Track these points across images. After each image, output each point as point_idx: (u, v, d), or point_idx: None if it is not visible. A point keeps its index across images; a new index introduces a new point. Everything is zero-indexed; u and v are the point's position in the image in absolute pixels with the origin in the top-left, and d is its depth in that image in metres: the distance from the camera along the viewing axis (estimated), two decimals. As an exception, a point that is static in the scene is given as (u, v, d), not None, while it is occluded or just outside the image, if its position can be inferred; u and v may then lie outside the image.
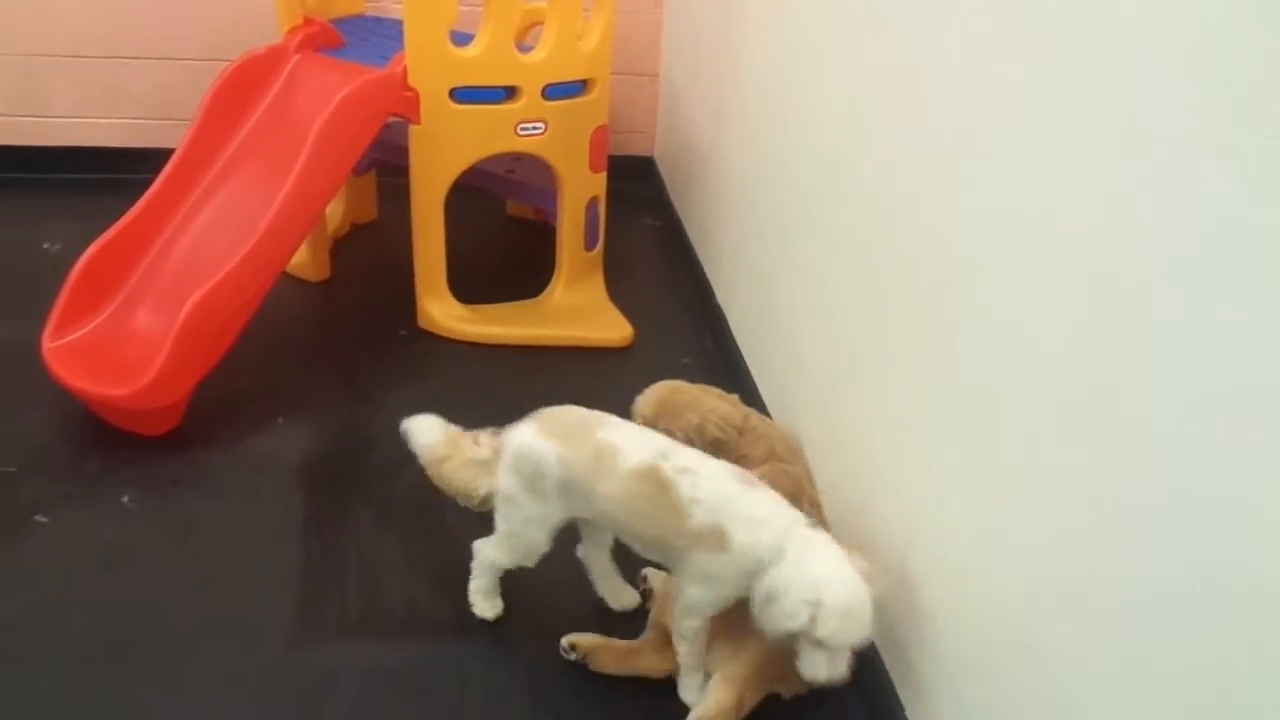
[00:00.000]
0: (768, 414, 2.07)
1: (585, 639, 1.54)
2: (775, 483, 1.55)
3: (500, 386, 2.24)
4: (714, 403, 1.76)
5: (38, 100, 3.11)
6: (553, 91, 2.33)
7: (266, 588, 1.64)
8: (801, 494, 1.64)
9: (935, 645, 1.33)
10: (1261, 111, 0.76)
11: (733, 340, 2.36)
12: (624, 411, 1.64)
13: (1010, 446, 1.13)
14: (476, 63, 2.20)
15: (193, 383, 1.95)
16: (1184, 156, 0.85)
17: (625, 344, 2.44)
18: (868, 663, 1.48)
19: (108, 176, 3.02)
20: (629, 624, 1.59)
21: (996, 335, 1.16)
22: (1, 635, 1.51)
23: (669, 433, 1.62)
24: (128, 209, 2.13)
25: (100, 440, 1.94)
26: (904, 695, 1.42)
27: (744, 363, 2.27)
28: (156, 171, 2.23)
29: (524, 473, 1.46)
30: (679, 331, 2.55)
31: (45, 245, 2.69)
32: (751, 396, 2.17)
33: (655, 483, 1.38)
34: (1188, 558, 0.85)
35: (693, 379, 1.93)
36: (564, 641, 1.53)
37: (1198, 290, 0.83)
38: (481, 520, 1.55)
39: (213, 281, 1.92)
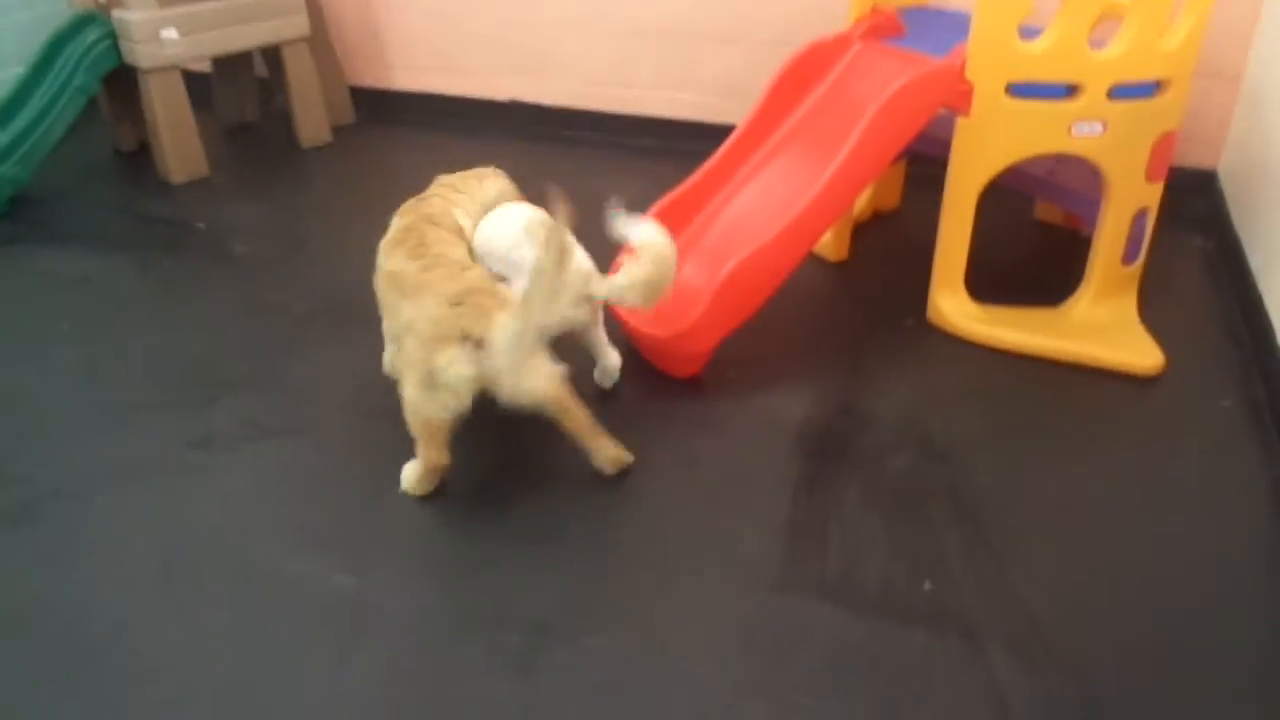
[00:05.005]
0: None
1: None
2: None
3: (1003, 395, 2.17)
4: (446, 285, 1.65)
5: (627, 73, 3.61)
6: (1120, 92, 2.16)
7: (755, 531, 1.77)
8: None
9: None
10: None
11: (1292, 391, 2.03)
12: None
13: None
14: (1041, 57, 2.12)
15: (720, 336, 2.16)
16: None
17: (1152, 373, 2.21)
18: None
19: (670, 145, 3.41)
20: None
21: None
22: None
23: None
24: (683, 178, 2.40)
25: (639, 375, 2.23)
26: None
27: (1303, 419, 1.95)
28: (713, 146, 2.47)
29: None
30: (1220, 369, 2.25)
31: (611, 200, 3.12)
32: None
33: None
34: None
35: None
36: None
37: None
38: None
39: (751, 249, 2.10)
